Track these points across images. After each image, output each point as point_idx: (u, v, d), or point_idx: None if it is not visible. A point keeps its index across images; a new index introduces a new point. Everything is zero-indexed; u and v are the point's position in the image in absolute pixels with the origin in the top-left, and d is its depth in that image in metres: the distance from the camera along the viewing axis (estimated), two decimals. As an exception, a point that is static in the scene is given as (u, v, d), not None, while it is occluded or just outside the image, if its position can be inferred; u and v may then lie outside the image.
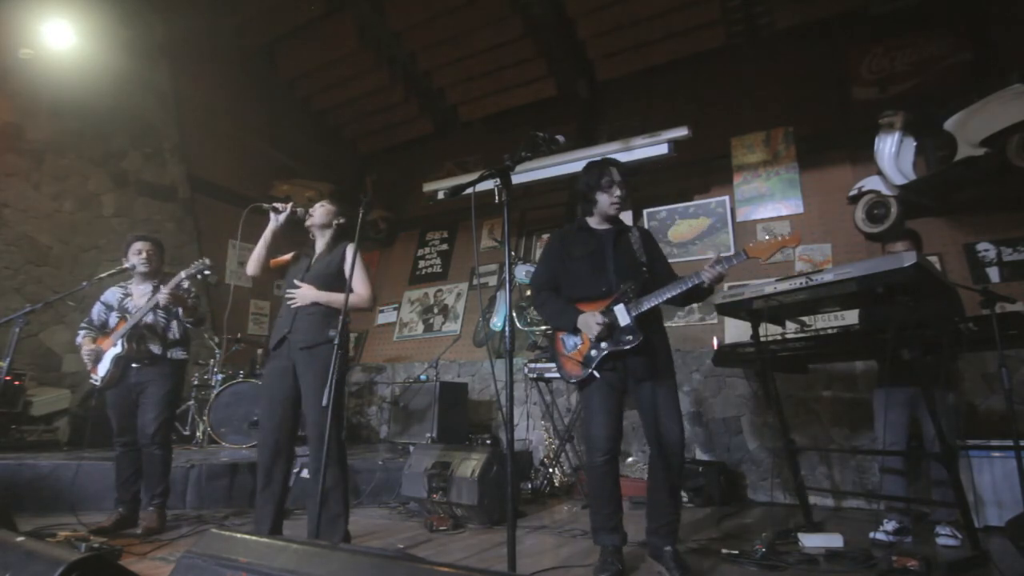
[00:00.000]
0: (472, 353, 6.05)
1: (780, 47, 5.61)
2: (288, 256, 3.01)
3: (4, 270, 4.83)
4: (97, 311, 3.33)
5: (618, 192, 2.52)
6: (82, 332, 3.28)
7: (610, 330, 2.38)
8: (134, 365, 3.19)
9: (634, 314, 2.37)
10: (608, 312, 2.40)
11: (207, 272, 3.14)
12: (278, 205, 2.89)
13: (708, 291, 2.43)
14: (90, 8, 5.17)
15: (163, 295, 3.08)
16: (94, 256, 5.40)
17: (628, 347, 2.36)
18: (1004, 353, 2.51)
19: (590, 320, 2.39)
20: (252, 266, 2.91)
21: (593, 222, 2.61)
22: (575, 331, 2.47)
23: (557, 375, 4.61)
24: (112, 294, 3.35)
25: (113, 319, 3.27)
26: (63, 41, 4.99)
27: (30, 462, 3.52)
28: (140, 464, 3.21)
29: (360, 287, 2.74)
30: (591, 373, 2.42)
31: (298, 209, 2.90)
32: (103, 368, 3.14)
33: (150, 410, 3.15)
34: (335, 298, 2.70)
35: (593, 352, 2.41)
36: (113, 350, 3.12)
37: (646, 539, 2.50)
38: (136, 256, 3.28)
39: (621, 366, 2.41)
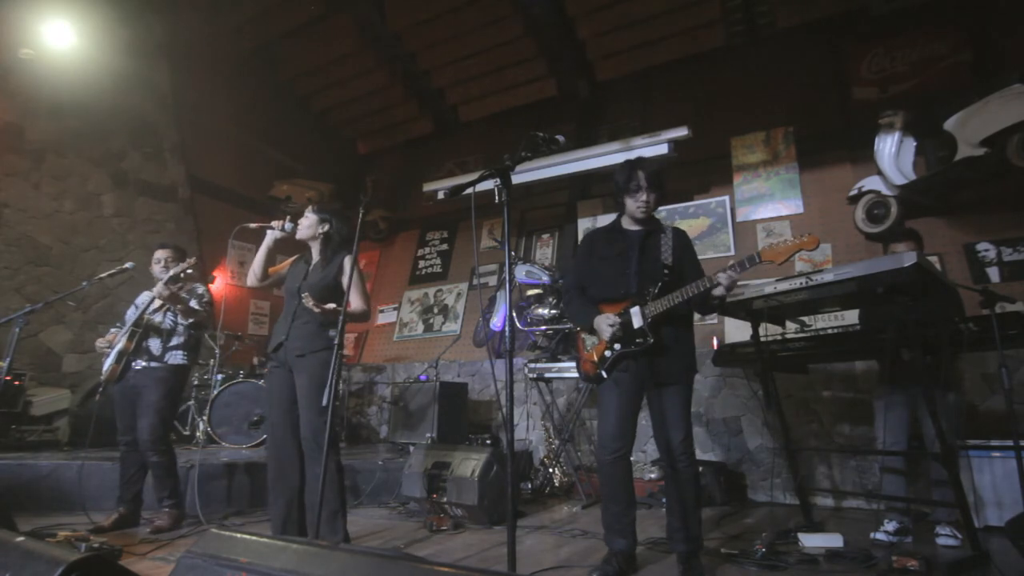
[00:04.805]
0: (472, 353, 6.05)
1: (780, 47, 5.61)
2: (287, 262, 3.02)
3: (4, 270, 4.83)
4: (129, 312, 3.40)
5: (644, 196, 2.49)
6: (112, 331, 3.34)
7: (624, 332, 2.39)
8: (136, 365, 3.22)
9: (647, 316, 2.37)
10: (624, 314, 2.41)
11: (189, 271, 3.25)
12: (274, 223, 2.89)
13: (722, 301, 2.36)
14: (90, 8, 5.16)
15: (159, 288, 3.13)
16: (94, 256, 5.40)
17: (637, 349, 2.37)
18: (1004, 353, 2.51)
19: (603, 322, 2.42)
20: (251, 278, 2.95)
21: (625, 223, 2.61)
22: (592, 331, 2.49)
23: (557, 375, 4.63)
24: (142, 296, 3.42)
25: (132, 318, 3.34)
26: (63, 41, 4.99)
27: (30, 462, 3.52)
28: (142, 463, 3.22)
29: (356, 301, 2.75)
30: (600, 373, 2.45)
31: (287, 226, 2.88)
32: (107, 363, 3.19)
33: (143, 417, 3.16)
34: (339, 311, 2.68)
35: (607, 353, 2.44)
36: (118, 345, 3.19)
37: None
38: (156, 264, 3.36)
39: (635, 367, 2.40)
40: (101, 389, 3.41)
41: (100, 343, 3.27)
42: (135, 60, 5.69)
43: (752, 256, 2.27)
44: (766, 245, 2.27)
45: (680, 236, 2.57)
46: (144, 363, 3.24)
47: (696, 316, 2.63)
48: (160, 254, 3.39)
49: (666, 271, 2.41)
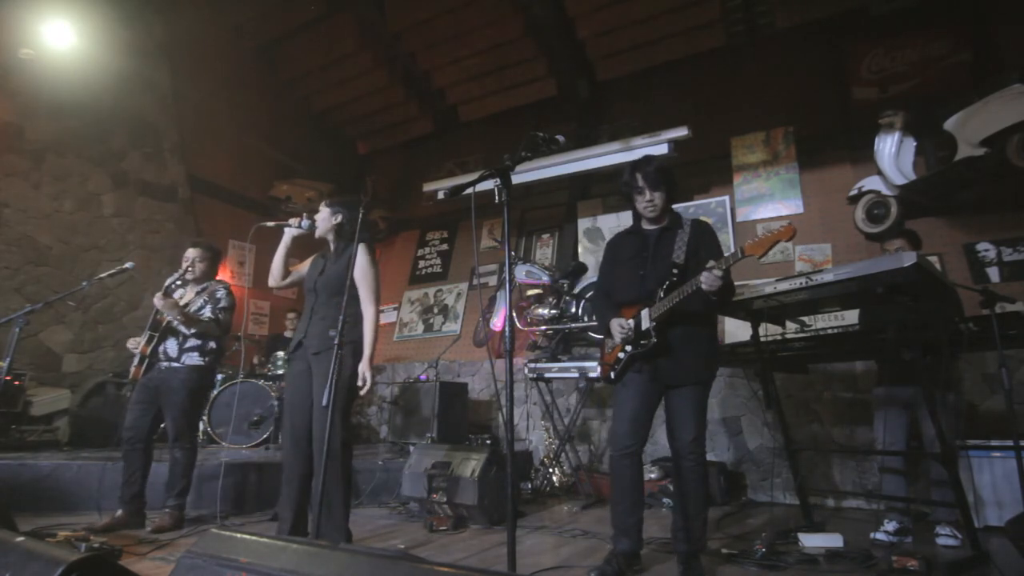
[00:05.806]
0: (472, 353, 6.05)
1: (780, 47, 5.61)
2: (307, 261, 3.03)
3: (4, 270, 4.82)
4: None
5: (647, 197, 2.48)
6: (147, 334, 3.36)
7: (635, 334, 2.40)
8: (160, 366, 3.26)
9: (652, 318, 2.37)
10: (637, 316, 2.42)
11: (178, 283, 3.33)
12: (291, 221, 2.91)
13: (723, 295, 2.30)
14: (90, 8, 5.17)
15: (156, 300, 3.14)
16: (94, 256, 5.40)
17: (643, 351, 2.38)
18: (1004, 353, 2.51)
19: (614, 325, 2.46)
20: (271, 278, 2.98)
21: (643, 223, 2.60)
22: (610, 334, 2.52)
23: (557, 375, 4.63)
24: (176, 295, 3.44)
25: None
26: (63, 41, 4.99)
27: (30, 462, 3.52)
28: (144, 464, 3.22)
29: (367, 307, 2.78)
30: (610, 375, 2.51)
31: (304, 223, 2.90)
32: (133, 364, 3.24)
33: (168, 417, 3.23)
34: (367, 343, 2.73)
35: (620, 355, 2.47)
36: (139, 347, 3.24)
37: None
38: (184, 263, 3.37)
39: (648, 369, 2.41)
40: (130, 387, 3.48)
41: (131, 343, 3.30)
42: (135, 60, 5.69)
43: (735, 252, 2.24)
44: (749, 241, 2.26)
45: (698, 229, 2.52)
46: (165, 364, 3.26)
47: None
48: (190, 254, 3.39)
49: (675, 270, 2.39)
